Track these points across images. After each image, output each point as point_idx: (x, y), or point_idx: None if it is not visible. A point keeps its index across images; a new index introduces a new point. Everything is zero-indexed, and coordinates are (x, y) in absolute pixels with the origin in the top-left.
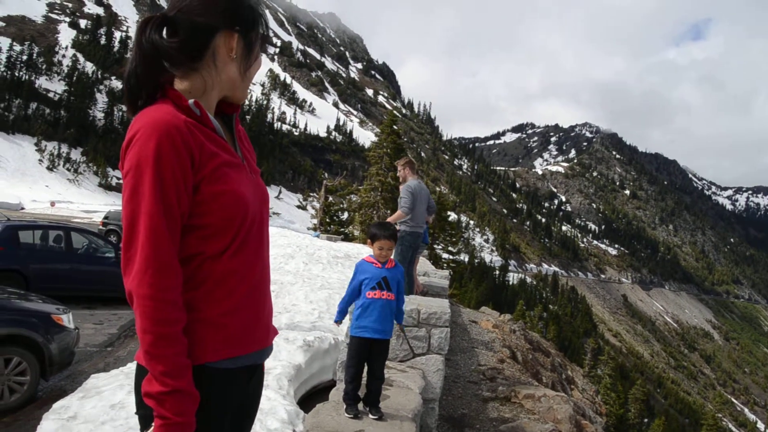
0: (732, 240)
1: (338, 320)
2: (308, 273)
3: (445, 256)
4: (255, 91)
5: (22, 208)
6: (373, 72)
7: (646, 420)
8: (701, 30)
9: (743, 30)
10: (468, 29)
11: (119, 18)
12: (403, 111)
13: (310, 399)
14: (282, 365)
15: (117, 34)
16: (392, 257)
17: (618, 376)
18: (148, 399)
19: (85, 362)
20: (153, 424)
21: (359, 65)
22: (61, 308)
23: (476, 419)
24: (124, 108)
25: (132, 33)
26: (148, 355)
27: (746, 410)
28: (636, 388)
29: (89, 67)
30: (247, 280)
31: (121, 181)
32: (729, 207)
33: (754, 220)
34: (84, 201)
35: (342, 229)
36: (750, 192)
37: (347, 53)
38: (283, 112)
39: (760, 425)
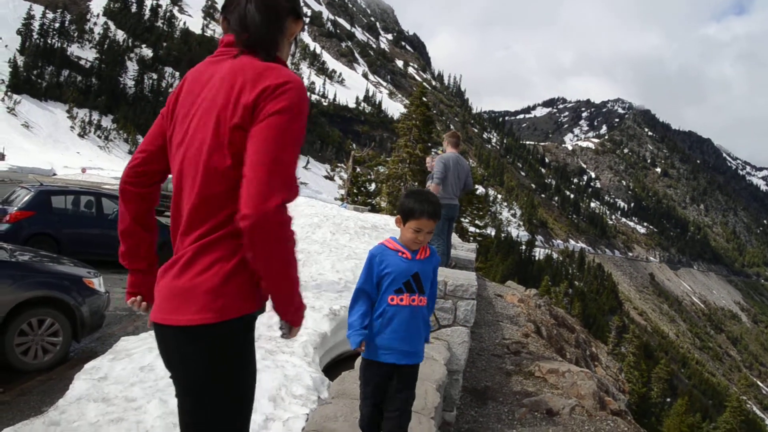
0: (765, 221)
1: (358, 342)
2: (335, 243)
3: (471, 229)
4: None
5: (54, 174)
6: (403, 43)
7: (668, 399)
8: (744, 4)
9: None
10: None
11: None
12: (433, 83)
13: (335, 367)
14: (308, 333)
15: (148, 2)
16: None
17: (642, 354)
18: (276, 309)
19: (115, 325)
20: (290, 331)
21: (390, 36)
22: (92, 272)
23: (499, 392)
24: (155, 76)
25: (162, 1)
26: (287, 278)
27: None
28: (660, 368)
29: (120, 35)
30: None
31: None
32: (764, 188)
33: None
34: (114, 168)
35: (369, 200)
36: None
37: (378, 24)
38: (312, 82)
39: None
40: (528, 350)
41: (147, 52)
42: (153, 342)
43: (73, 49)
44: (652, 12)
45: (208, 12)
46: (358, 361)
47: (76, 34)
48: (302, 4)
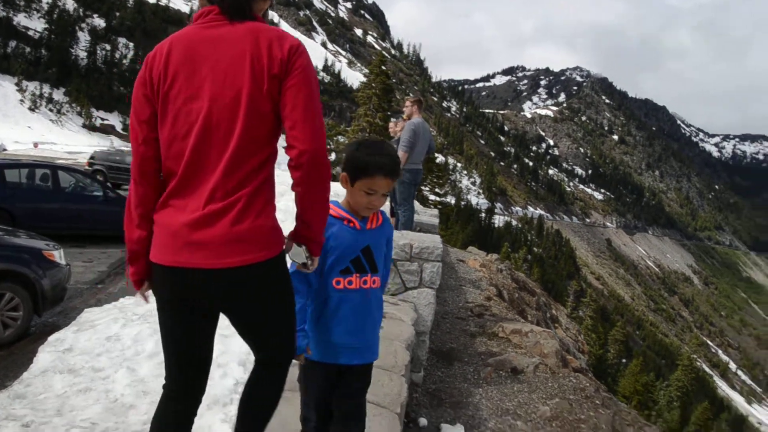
0: (717, 187)
1: (305, 345)
2: None
3: (432, 197)
4: None
5: (5, 149)
6: (362, 11)
7: (624, 360)
8: None
9: None
10: None
11: None
12: (393, 52)
13: None
14: None
15: None
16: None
17: (599, 317)
18: (312, 237)
19: (76, 299)
20: (313, 262)
21: (348, 4)
22: (51, 244)
23: (464, 353)
24: (108, 47)
25: None
26: (326, 208)
27: (720, 352)
28: (616, 330)
29: (70, 4)
30: None
31: (105, 121)
32: (716, 154)
33: (740, 168)
34: (67, 142)
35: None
36: (737, 140)
37: None
38: None
39: (732, 366)
40: (491, 313)
41: (99, 22)
42: (118, 313)
43: (20, 19)
44: None
45: None
46: None
47: (23, 3)
48: None
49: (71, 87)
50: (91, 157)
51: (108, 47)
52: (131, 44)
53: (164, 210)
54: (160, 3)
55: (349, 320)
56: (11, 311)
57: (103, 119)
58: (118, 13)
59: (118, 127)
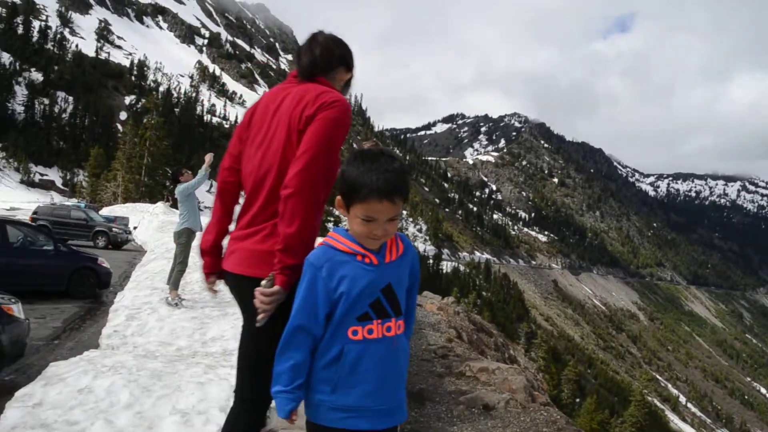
0: (655, 225)
1: (287, 410)
2: None
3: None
4: (184, 84)
5: None
6: None
7: (578, 400)
8: (627, 23)
9: (665, 25)
10: (400, 20)
11: (38, 7)
12: None
13: None
14: None
15: (35, 24)
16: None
17: (551, 358)
18: (286, 270)
19: (33, 355)
20: (271, 287)
21: (289, 56)
22: (7, 298)
23: (435, 393)
24: (46, 101)
25: (51, 22)
26: (304, 240)
27: (669, 386)
28: (568, 370)
29: (6, 57)
30: None
31: (44, 176)
32: (651, 193)
33: (675, 206)
34: (5, 198)
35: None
36: (670, 179)
37: (277, 44)
38: (213, 105)
39: (682, 399)
40: (455, 353)
41: (37, 76)
42: (86, 365)
43: None
44: (544, 30)
45: (102, 34)
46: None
47: None
48: (200, 25)
49: (8, 142)
50: (35, 212)
51: (46, 101)
52: (70, 98)
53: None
54: (99, 57)
55: (371, 378)
56: None
57: (42, 174)
58: (56, 67)
59: (59, 182)
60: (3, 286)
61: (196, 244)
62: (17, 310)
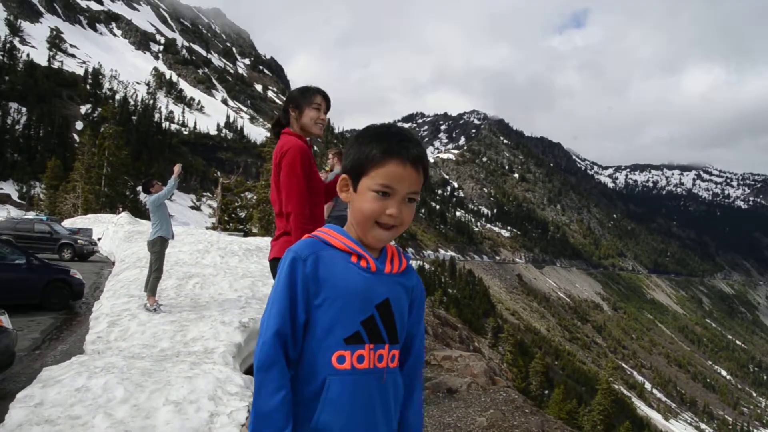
0: (615, 216)
1: None
2: (226, 265)
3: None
4: (140, 91)
5: None
6: (261, 67)
7: (546, 391)
8: (580, 19)
9: (617, 19)
10: (359, 22)
11: None
12: None
13: (250, 374)
14: (224, 344)
15: None
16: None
17: (518, 351)
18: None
19: (17, 365)
20: None
21: (247, 61)
22: None
23: None
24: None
25: (0, 32)
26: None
27: (635, 373)
28: (535, 362)
29: None
30: None
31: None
32: (610, 185)
33: (633, 196)
34: None
35: (241, 227)
36: (628, 170)
37: (234, 49)
38: (171, 111)
39: (647, 385)
40: None
41: None
42: (80, 367)
43: None
44: (501, 28)
45: (54, 43)
46: None
47: None
48: (155, 31)
49: None
50: None
51: None
52: (24, 109)
53: None
54: (52, 66)
55: (356, 418)
56: None
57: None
58: (7, 77)
59: (14, 196)
60: None
61: (169, 251)
62: (5, 320)
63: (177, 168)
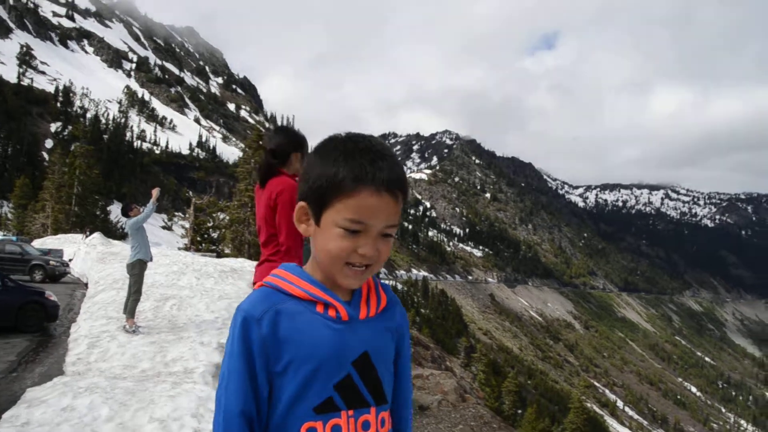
0: (585, 235)
1: None
2: (202, 287)
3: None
4: (112, 109)
5: None
6: (234, 86)
7: (519, 411)
8: (551, 41)
9: (587, 41)
10: (333, 42)
11: None
12: (266, 125)
13: None
14: (204, 364)
15: None
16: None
17: (491, 371)
18: None
19: None
20: None
21: (220, 80)
22: None
23: None
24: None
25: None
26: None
27: (607, 391)
28: (508, 381)
29: None
30: None
31: None
32: (581, 204)
33: (603, 216)
34: None
35: (213, 247)
36: (598, 189)
37: (207, 68)
38: (143, 130)
39: (619, 403)
40: None
41: None
42: (63, 388)
43: None
44: (473, 48)
45: (23, 59)
46: None
47: None
48: (128, 49)
49: None
50: None
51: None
52: None
53: None
54: (21, 83)
55: None
56: None
57: None
58: None
59: None
60: None
61: (147, 272)
62: None
63: (155, 192)
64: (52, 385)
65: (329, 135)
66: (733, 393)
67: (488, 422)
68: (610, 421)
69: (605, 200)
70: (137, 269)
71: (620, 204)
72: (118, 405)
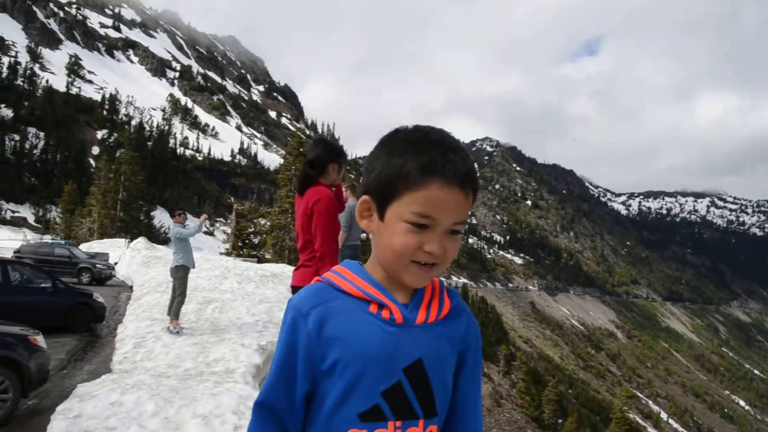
0: (628, 243)
1: None
2: (243, 291)
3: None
4: (156, 117)
5: None
6: (275, 94)
7: (560, 420)
8: (593, 47)
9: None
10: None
11: (6, 42)
12: (307, 132)
13: None
14: (244, 365)
15: (5, 60)
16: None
17: (531, 380)
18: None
19: (47, 383)
20: None
21: (261, 87)
22: (32, 331)
23: None
24: (17, 137)
25: (21, 58)
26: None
27: (650, 402)
28: (549, 390)
29: None
30: None
31: (16, 214)
32: (624, 212)
33: (647, 224)
34: None
35: (254, 253)
36: (641, 197)
37: (248, 76)
38: (186, 137)
39: (663, 415)
40: None
41: (7, 112)
42: (111, 383)
43: None
44: (514, 55)
45: (72, 69)
46: None
47: None
48: (171, 58)
49: None
50: (17, 251)
51: (17, 137)
52: (41, 134)
53: None
54: (70, 92)
55: None
56: (1, 393)
57: (13, 212)
58: (26, 103)
59: (31, 219)
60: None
61: (190, 276)
62: (41, 340)
63: (202, 218)
64: (101, 382)
65: (396, 127)
66: None
67: (522, 427)
68: None
69: (648, 208)
70: (181, 273)
71: (664, 212)
72: (163, 401)
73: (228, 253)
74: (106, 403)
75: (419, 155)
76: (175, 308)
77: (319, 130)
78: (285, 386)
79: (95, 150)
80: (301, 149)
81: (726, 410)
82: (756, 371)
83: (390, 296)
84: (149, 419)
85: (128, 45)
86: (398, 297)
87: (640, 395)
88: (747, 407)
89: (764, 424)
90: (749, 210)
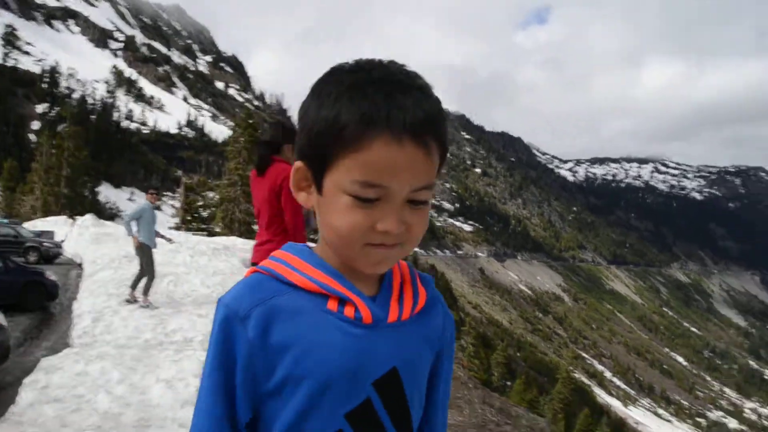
0: (575, 209)
1: None
2: (196, 264)
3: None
4: (99, 89)
5: None
6: (222, 64)
7: (509, 383)
8: (544, 15)
9: (579, 15)
10: (321, 16)
11: None
12: (255, 102)
13: None
14: (202, 334)
15: None
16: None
17: (480, 344)
18: None
19: (7, 361)
20: None
21: (208, 58)
22: None
23: None
24: None
25: None
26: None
27: (595, 362)
28: (497, 354)
29: None
30: None
31: None
32: (570, 178)
33: (593, 189)
34: None
35: (204, 226)
36: (588, 163)
37: (194, 46)
38: (131, 110)
39: (607, 374)
40: None
41: None
42: (76, 356)
43: None
44: (465, 23)
45: (8, 39)
46: None
47: None
48: (114, 28)
49: None
50: None
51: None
52: None
53: None
54: (6, 64)
55: None
56: None
57: None
58: None
59: None
60: None
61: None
62: (1, 318)
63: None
64: (65, 355)
65: (333, 65)
66: (719, 362)
67: (464, 383)
68: (598, 391)
69: (595, 174)
70: (145, 252)
71: (610, 178)
72: (128, 369)
73: (177, 228)
74: (72, 374)
75: (356, 102)
76: (145, 285)
77: (268, 101)
78: (228, 416)
79: (35, 125)
80: (251, 121)
81: (665, 366)
82: (693, 329)
83: (353, 288)
84: (116, 386)
85: (68, 14)
86: (362, 288)
87: (586, 356)
88: (685, 363)
89: (699, 377)
90: (690, 175)
